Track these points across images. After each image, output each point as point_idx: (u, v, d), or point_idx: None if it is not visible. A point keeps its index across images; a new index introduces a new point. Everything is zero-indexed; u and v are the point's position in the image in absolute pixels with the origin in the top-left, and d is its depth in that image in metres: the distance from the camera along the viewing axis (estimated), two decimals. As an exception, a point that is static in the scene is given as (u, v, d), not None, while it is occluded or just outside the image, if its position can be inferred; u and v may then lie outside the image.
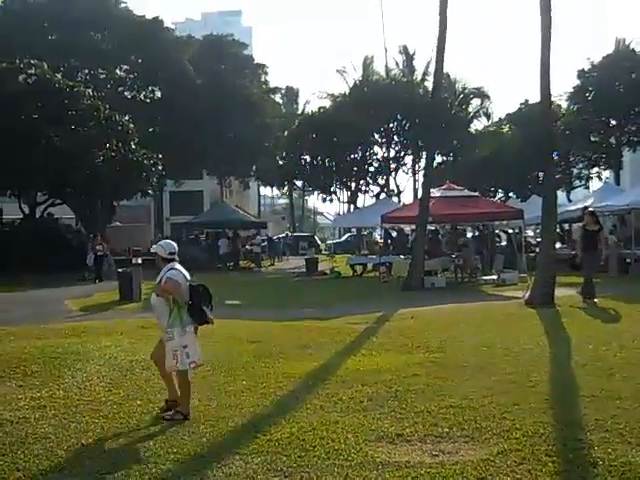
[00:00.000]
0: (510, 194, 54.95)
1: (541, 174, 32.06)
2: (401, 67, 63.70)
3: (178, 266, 7.71)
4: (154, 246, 8.05)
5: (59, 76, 37.22)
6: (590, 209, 20.08)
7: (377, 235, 37.79)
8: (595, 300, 16.61)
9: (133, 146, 37.62)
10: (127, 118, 38.82)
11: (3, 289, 25.12)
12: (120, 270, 22.89)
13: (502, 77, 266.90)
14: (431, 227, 27.31)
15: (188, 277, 7.71)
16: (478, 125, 62.97)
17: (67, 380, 9.49)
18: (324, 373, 9.78)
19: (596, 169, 53.85)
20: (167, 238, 43.35)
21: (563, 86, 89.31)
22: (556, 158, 30.33)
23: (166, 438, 6.82)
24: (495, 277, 24.97)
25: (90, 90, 37.76)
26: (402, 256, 27.99)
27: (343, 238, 57.44)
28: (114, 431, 7.12)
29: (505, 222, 30.43)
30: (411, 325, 14.03)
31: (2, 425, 7.35)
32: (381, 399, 8.08)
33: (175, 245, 7.98)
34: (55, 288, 26.38)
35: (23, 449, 6.57)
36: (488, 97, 61.47)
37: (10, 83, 33.61)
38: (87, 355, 11.19)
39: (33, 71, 35.26)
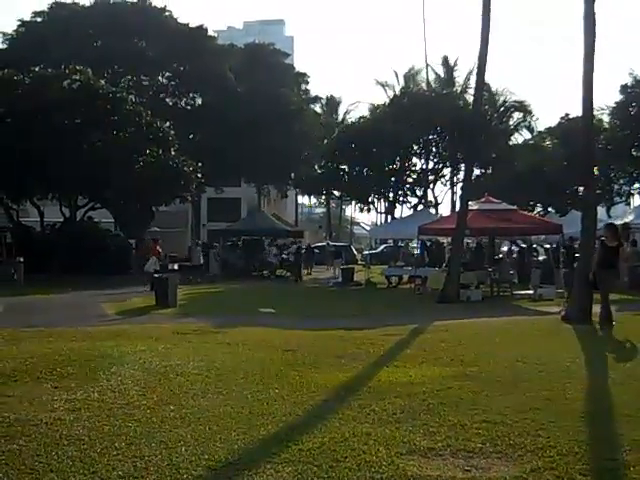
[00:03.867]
0: (549, 208, 54.46)
1: (581, 189, 31.74)
2: (442, 78, 63.68)
3: None
4: None
5: (103, 82, 37.77)
6: (610, 222, 18.79)
7: (413, 246, 37.64)
8: (613, 324, 15.22)
9: (173, 152, 38.01)
10: (168, 125, 39.25)
11: (43, 291, 25.47)
12: (156, 275, 23.04)
13: (542, 90, 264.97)
14: (469, 240, 27.20)
15: None
16: (519, 138, 62.69)
17: (102, 383, 9.57)
18: (357, 384, 9.74)
19: (637, 185, 53.16)
20: (204, 244, 43.78)
21: (605, 100, 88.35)
22: (597, 173, 30.03)
23: (198, 444, 6.83)
24: (532, 292, 24.73)
25: (132, 96, 38.26)
26: (437, 268, 27.87)
27: (379, 249, 57.29)
28: (147, 435, 7.15)
29: (543, 237, 30.17)
30: (445, 338, 13.92)
31: (37, 426, 7.42)
32: (414, 412, 8.02)
33: None
34: (93, 291, 26.69)
35: (57, 450, 6.63)
36: (530, 112, 61.13)
37: (55, 88, 34.17)
38: (122, 359, 11.28)
39: (77, 77, 35.81)
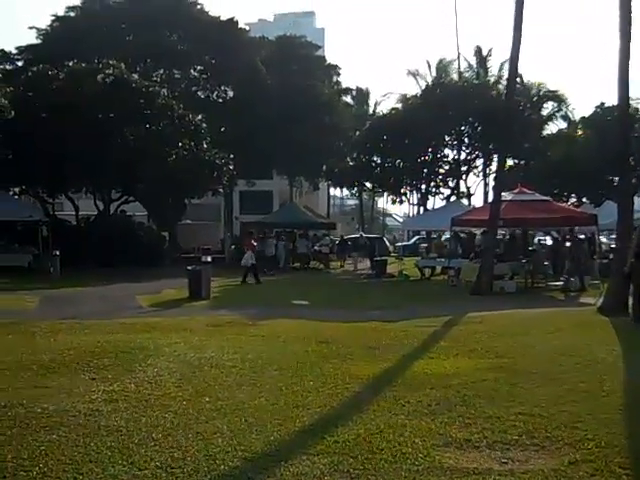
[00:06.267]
0: (583, 199, 53.80)
1: (616, 179, 31.32)
2: (475, 69, 63.17)
3: None
4: None
5: (135, 76, 37.99)
6: None
7: (444, 238, 37.42)
8: None
9: (205, 145, 38.19)
10: (200, 117, 39.39)
11: (78, 284, 25.74)
12: (189, 268, 23.10)
13: (577, 79, 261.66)
14: (502, 231, 27.00)
15: None
16: (553, 128, 61.93)
17: (138, 375, 9.66)
18: (391, 376, 9.74)
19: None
20: (237, 237, 44.01)
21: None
22: (632, 163, 29.65)
23: (234, 435, 6.88)
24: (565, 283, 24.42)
25: (165, 90, 38.42)
26: (470, 259, 27.70)
27: (412, 240, 57.00)
28: (183, 427, 7.21)
29: (577, 227, 29.83)
30: (479, 329, 13.86)
31: (76, 417, 7.52)
32: (449, 404, 8.00)
33: None
34: (127, 284, 26.91)
35: (96, 441, 6.71)
36: (564, 101, 60.38)
37: (88, 83, 34.43)
38: (157, 351, 11.38)
39: (111, 71, 36.05)
